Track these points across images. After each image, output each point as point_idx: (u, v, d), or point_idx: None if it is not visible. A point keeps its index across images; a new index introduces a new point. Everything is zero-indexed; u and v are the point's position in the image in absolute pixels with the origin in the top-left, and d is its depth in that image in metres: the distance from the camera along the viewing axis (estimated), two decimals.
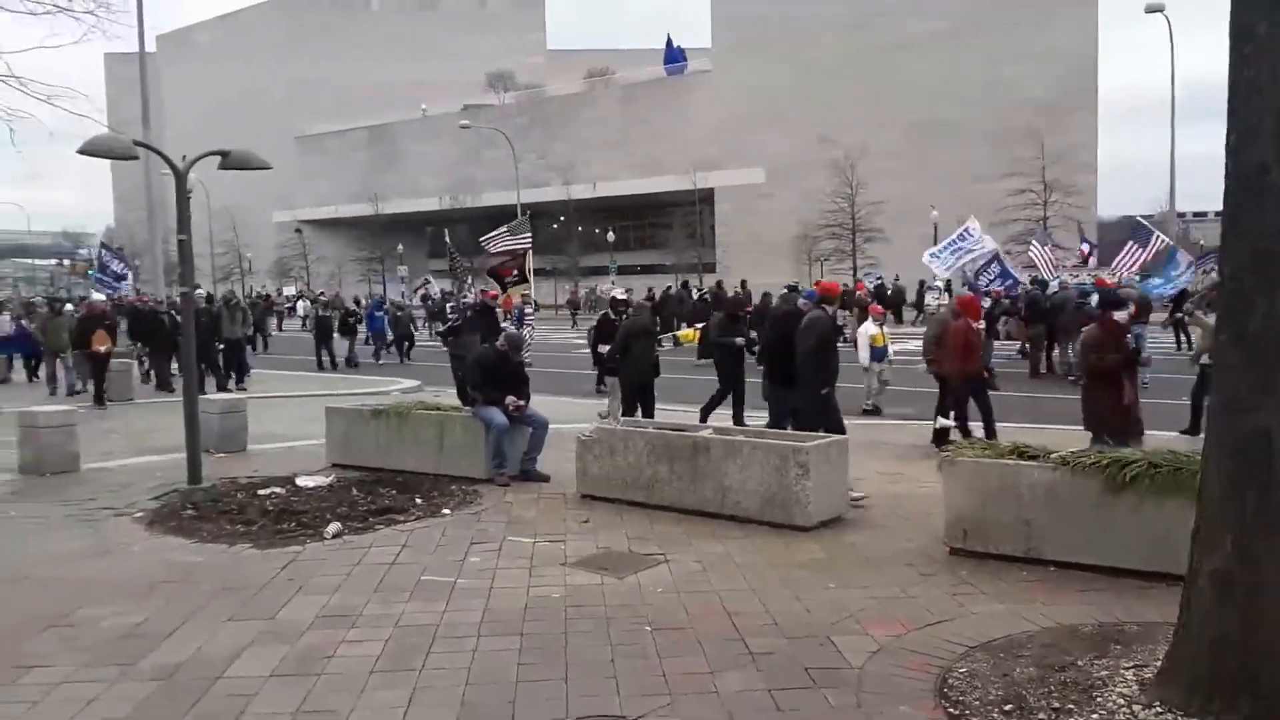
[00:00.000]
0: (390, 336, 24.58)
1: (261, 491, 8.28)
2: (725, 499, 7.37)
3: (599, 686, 4.38)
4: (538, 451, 8.93)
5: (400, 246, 63.66)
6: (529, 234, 20.62)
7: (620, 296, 14.75)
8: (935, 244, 37.41)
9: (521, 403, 8.92)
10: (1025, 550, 6.09)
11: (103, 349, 15.59)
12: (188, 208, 9.51)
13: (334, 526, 7.13)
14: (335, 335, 23.42)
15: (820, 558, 6.42)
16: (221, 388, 17.30)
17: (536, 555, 6.48)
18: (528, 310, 22.19)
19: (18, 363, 20.25)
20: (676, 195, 57.55)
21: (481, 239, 20.92)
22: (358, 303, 28.52)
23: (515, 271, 20.91)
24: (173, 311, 18.12)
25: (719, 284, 36.31)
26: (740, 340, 11.74)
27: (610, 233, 55.65)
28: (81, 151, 8.61)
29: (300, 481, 8.59)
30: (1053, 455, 6.28)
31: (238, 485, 8.59)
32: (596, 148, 63.90)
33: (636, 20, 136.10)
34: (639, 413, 10.61)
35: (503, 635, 5.03)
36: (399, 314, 25.11)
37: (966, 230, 18.16)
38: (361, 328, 24.62)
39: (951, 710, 4.07)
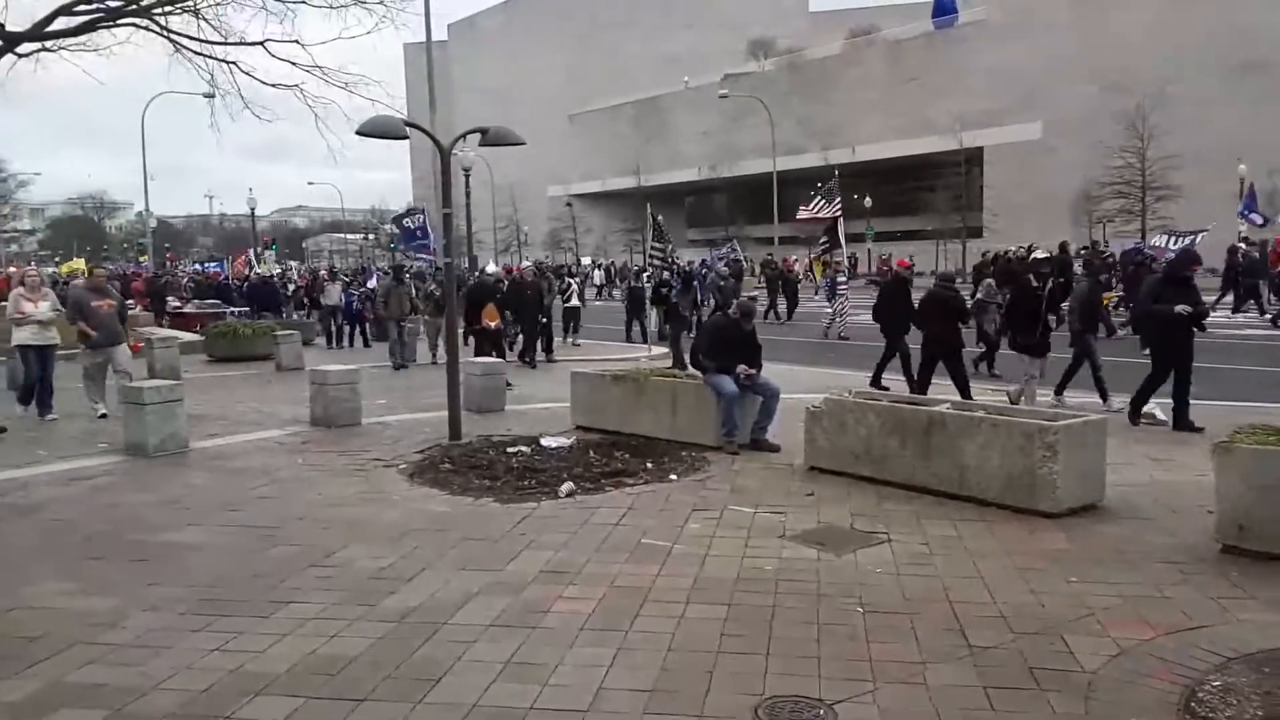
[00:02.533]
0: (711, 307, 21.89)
1: (510, 450, 8.77)
2: (963, 478, 6.89)
3: (800, 666, 4.24)
4: (768, 421, 8.80)
5: (660, 217, 65.11)
6: (839, 197, 20.16)
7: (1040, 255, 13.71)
8: (1241, 202, 32.87)
9: (753, 371, 8.81)
10: None
11: (493, 324, 14.80)
12: (450, 183, 10.14)
13: (567, 486, 7.41)
14: (647, 306, 21.19)
15: (1064, 548, 5.83)
16: (546, 351, 17.73)
17: (755, 526, 6.38)
18: (840, 280, 21.37)
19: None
20: (941, 156, 54.39)
21: (800, 212, 20.67)
22: (672, 272, 27.43)
23: (824, 239, 20.47)
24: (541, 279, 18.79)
25: (1090, 246, 32.03)
26: (1185, 309, 9.02)
27: (868, 198, 53.75)
28: (358, 133, 9.40)
29: (544, 442, 9.01)
30: None
31: (490, 443, 9.15)
32: (857, 110, 61.81)
33: None
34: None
35: (710, 604, 4.99)
36: (722, 284, 23.37)
37: None
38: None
39: None
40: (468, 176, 31.91)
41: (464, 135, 10.29)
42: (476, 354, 13.94)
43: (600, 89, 79.94)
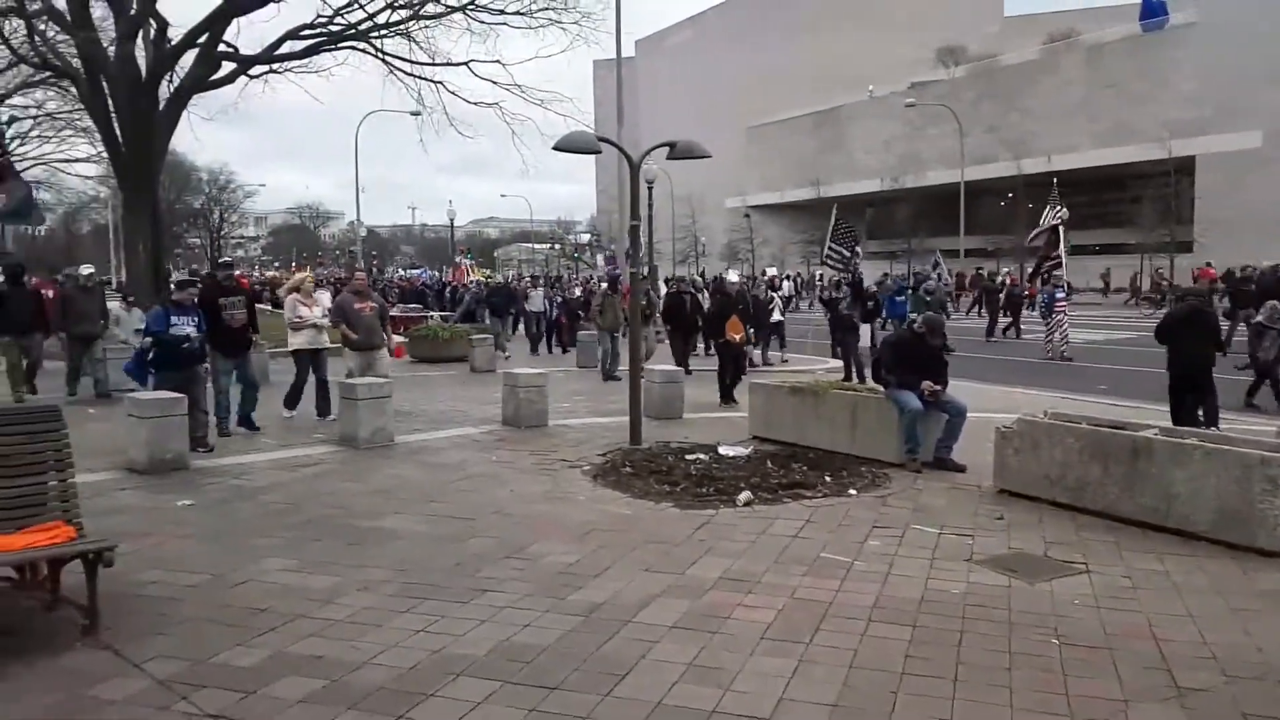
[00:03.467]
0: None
1: (688, 456, 8.87)
2: (1170, 510, 6.40)
3: (989, 694, 4.07)
4: (954, 439, 8.49)
5: (844, 220, 63.99)
6: (1061, 207, 19.18)
7: None
8: None
9: (938, 387, 8.53)
10: None
11: (738, 338, 13.43)
12: (638, 196, 10.37)
13: (745, 495, 7.42)
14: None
15: None
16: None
17: (940, 547, 6.18)
18: (1060, 296, 19.91)
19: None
20: (1145, 166, 50.56)
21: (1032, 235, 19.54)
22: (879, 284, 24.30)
23: (1054, 254, 19.41)
24: (692, 290, 18.61)
25: None
26: None
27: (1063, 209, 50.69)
28: (555, 148, 9.77)
29: (722, 450, 9.05)
30: None
31: (669, 449, 9.28)
32: (1053, 118, 58.46)
33: None
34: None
35: (894, 623, 4.87)
36: (928, 299, 22.24)
37: None
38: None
39: None
40: (651, 189, 32.50)
41: (653, 149, 10.51)
42: (721, 370, 13.32)
43: (782, 100, 79.46)
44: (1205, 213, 49.35)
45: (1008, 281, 29.31)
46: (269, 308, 26.60)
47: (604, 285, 20.84)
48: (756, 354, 17.31)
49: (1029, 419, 7.67)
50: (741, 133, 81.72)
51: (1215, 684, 4.12)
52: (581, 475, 8.40)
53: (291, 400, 11.48)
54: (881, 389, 8.97)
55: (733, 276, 17.14)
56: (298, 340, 11.34)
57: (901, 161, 65.87)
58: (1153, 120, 50.76)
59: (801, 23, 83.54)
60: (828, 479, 8.03)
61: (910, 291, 24.30)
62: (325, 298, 12.49)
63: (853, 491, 7.69)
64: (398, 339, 12.17)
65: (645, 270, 27.72)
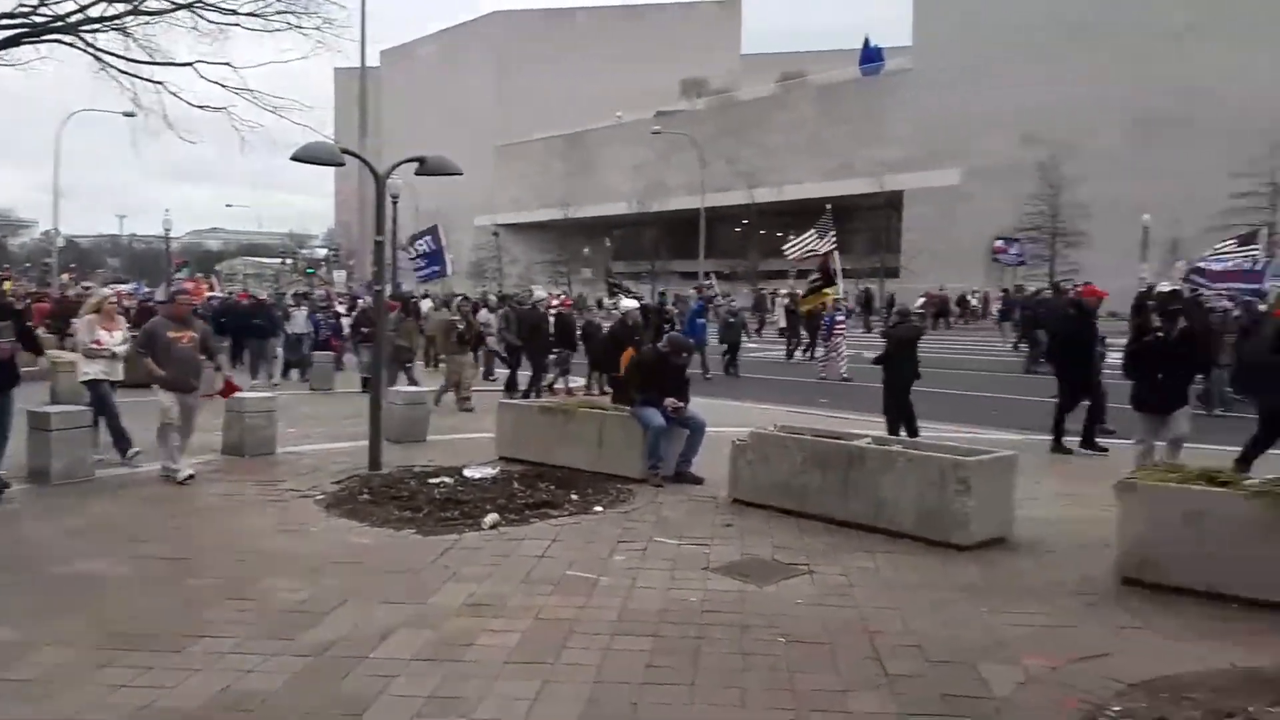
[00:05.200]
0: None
1: (432, 480, 8.69)
2: (879, 512, 7.09)
3: (724, 696, 4.32)
4: (694, 454, 8.93)
5: (586, 250, 65.56)
6: (834, 232, 19.58)
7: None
8: (1144, 250, 34.68)
9: (680, 404, 8.94)
10: (1206, 585, 5.52)
11: None
12: (383, 210, 10.08)
13: (491, 517, 7.39)
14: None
15: (977, 580, 6.06)
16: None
17: (680, 558, 6.47)
18: (839, 318, 20.79)
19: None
20: (862, 199, 56.01)
21: (785, 249, 19.57)
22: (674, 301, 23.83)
23: (817, 275, 20.16)
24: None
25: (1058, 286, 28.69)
26: None
27: (792, 237, 54.99)
28: (295, 158, 9.27)
29: (468, 472, 8.96)
30: (1246, 482, 5.68)
31: (412, 473, 9.06)
32: (785, 152, 63.31)
33: (835, 22, 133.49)
34: None
35: (636, 635, 5.04)
36: (730, 319, 21.93)
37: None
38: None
39: None
40: (395, 203, 31.68)
41: (401, 163, 10.26)
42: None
43: (530, 121, 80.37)
44: (912, 242, 55.48)
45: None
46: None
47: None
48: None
49: (760, 432, 8.22)
50: (491, 150, 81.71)
51: (920, 670, 4.60)
52: (314, 505, 8.01)
53: (119, 438, 9.70)
54: (626, 407, 9.26)
55: (540, 293, 16.28)
56: (92, 369, 9.64)
57: (648, 187, 68.57)
58: (870, 157, 56.32)
59: (554, 47, 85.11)
60: (574, 497, 8.18)
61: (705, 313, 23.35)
62: (124, 322, 10.65)
63: (598, 509, 7.87)
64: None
65: (409, 288, 26.50)
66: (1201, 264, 20.12)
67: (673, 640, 4.98)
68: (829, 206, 21.23)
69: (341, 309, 24.72)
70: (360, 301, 23.60)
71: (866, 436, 8.08)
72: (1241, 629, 5.10)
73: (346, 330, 20.45)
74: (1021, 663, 4.64)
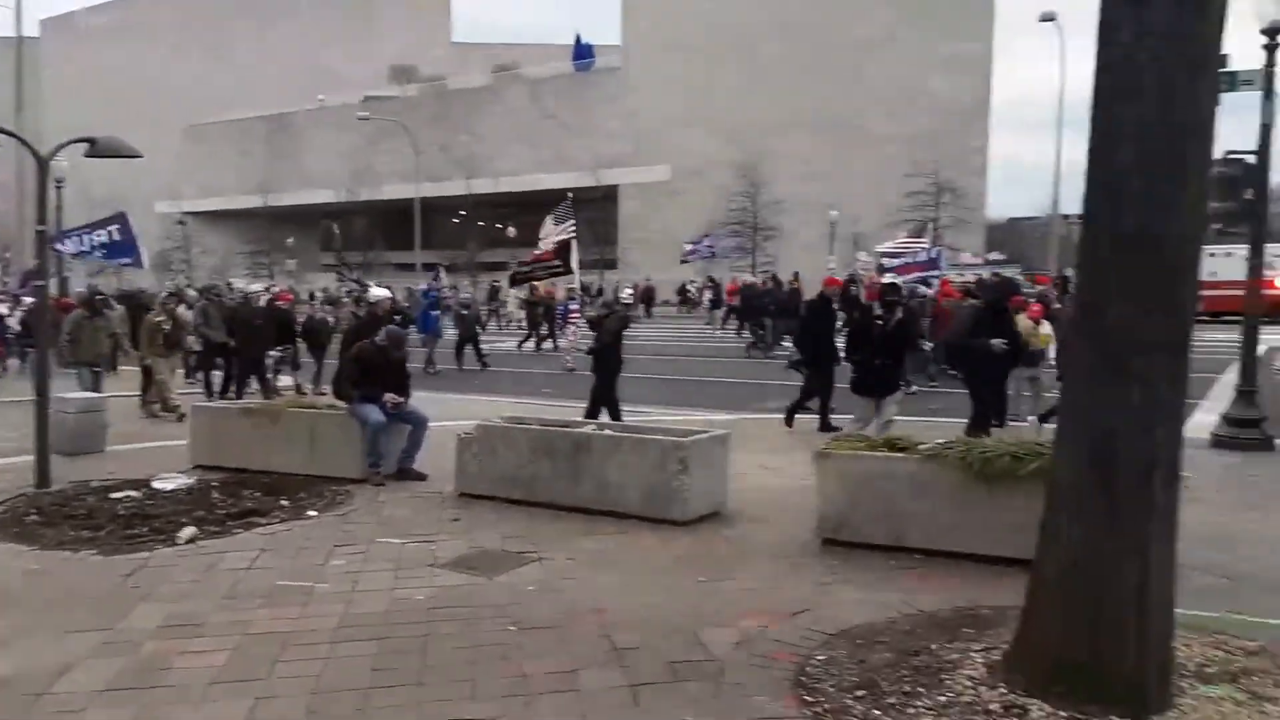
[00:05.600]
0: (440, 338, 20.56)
1: (114, 495, 7.87)
2: (605, 495, 7.32)
3: (455, 690, 4.28)
4: (416, 449, 8.73)
5: (290, 240, 61.99)
6: (573, 220, 19.02)
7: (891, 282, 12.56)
8: (831, 243, 38.28)
9: (400, 399, 8.70)
10: (894, 540, 6.22)
11: None
12: (46, 196, 8.93)
13: (188, 531, 6.82)
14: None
15: (696, 552, 6.43)
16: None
17: (405, 557, 6.31)
18: (574, 306, 20.27)
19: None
20: (580, 192, 57.29)
21: (541, 235, 18.54)
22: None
23: (557, 261, 19.41)
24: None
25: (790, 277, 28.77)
26: (1002, 343, 9.07)
27: (511, 228, 55.19)
28: None
29: (157, 484, 8.19)
30: (921, 447, 6.44)
31: (89, 489, 8.15)
32: (501, 142, 63.23)
33: (545, 15, 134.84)
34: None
35: (360, 640, 4.87)
36: (464, 312, 21.85)
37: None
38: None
39: (807, 698, 4.11)
40: (60, 188, 28.17)
41: (66, 144, 9.11)
42: None
43: (223, 101, 74.36)
44: (626, 234, 57.61)
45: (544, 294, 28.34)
46: None
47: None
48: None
49: (487, 424, 8.20)
50: (176, 131, 74.80)
51: (646, 641, 4.81)
52: None
53: None
54: (343, 405, 8.87)
55: (253, 286, 14.58)
56: None
57: (357, 174, 65.94)
58: (587, 151, 57.68)
59: (252, 23, 79.17)
60: (284, 503, 7.73)
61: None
62: None
63: (313, 513, 7.49)
64: None
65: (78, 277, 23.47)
66: (884, 261, 22.62)
67: (399, 641, 4.86)
68: (570, 194, 21.25)
69: (3, 309, 21.75)
70: (25, 300, 20.79)
71: (593, 424, 8.30)
72: (922, 576, 5.80)
73: (13, 332, 18.18)
74: (738, 625, 4.99)
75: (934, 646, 4.58)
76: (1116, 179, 3.79)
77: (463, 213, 58.13)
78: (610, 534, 6.81)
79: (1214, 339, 17.01)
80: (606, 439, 7.60)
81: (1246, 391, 10.47)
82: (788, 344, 18.60)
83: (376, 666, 4.54)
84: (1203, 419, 11.28)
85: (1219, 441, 10.27)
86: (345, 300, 27.80)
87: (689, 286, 40.33)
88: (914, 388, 14.63)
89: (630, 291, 39.99)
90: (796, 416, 11.56)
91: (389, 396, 8.61)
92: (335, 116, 68.39)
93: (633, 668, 4.47)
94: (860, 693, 4.11)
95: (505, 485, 7.75)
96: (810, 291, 16.90)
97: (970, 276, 23.48)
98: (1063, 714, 3.80)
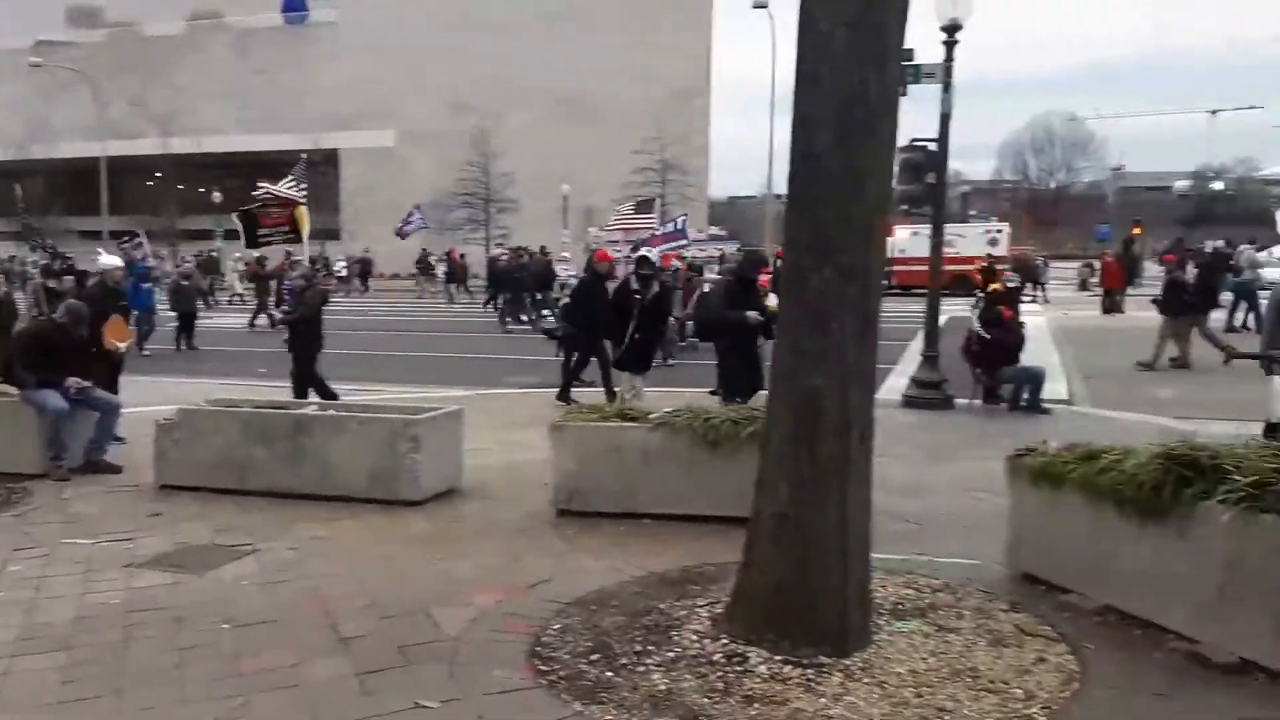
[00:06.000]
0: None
1: None
2: (330, 479, 7.01)
3: (160, 696, 3.96)
4: (107, 439, 7.92)
5: None
6: (306, 185, 17.08)
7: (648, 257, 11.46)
8: (564, 217, 38.89)
9: (85, 383, 7.83)
10: (626, 507, 6.44)
11: (122, 345, 9.31)
12: None
13: None
14: None
15: (429, 531, 6.34)
16: None
17: (95, 558, 5.73)
18: (297, 280, 18.07)
19: None
20: (297, 155, 53.98)
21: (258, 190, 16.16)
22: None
23: (287, 226, 17.36)
24: None
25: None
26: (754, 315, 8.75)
27: (217, 193, 51.08)
28: None
29: None
30: (651, 417, 6.70)
31: None
32: (202, 98, 58.17)
33: None
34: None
35: (45, 652, 4.39)
36: (183, 283, 20.35)
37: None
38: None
39: (542, 667, 4.18)
40: None
41: None
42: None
43: None
44: (350, 201, 55.12)
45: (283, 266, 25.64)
46: None
47: None
48: None
49: (190, 408, 7.59)
50: None
51: (375, 627, 4.68)
52: None
53: None
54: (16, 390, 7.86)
55: (106, 260, 11.53)
56: None
57: (31, 129, 58.34)
58: (304, 112, 54.40)
59: None
60: None
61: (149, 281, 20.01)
62: None
63: None
64: None
65: None
66: (618, 233, 23.11)
67: (92, 649, 4.43)
68: (304, 155, 19.61)
69: None
70: None
71: (314, 404, 7.91)
72: (653, 539, 6.05)
73: None
74: (472, 601, 4.98)
75: (663, 606, 4.81)
76: (816, 158, 4.12)
77: (159, 174, 53.06)
78: (338, 519, 6.55)
79: (905, 310, 19.03)
80: (329, 419, 7.29)
81: (930, 357, 11.75)
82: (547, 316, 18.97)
83: (67, 679, 4.11)
84: (895, 382, 12.58)
85: (908, 401, 11.49)
86: (32, 273, 24.66)
87: (430, 258, 39.19)
88: (671, 360, 15.21)
89: (343, 263, 38.19)
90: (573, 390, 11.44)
91: (72, 381, 7.73)
92: (2, 63, 59.98)
93: (361, 655, 4.34)
94: (594, 656, 4.24)
95: (214, 474, 7.21)
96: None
97: (697, 251, 24.77)
98: (777, 658, 4.13)
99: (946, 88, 11.23)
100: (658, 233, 21.10)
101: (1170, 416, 9.99)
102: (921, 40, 10.90)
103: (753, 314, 9.61)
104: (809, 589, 4.25)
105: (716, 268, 23.26)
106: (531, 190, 46.32)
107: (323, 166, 53.21)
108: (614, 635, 4.47)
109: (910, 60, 11.33)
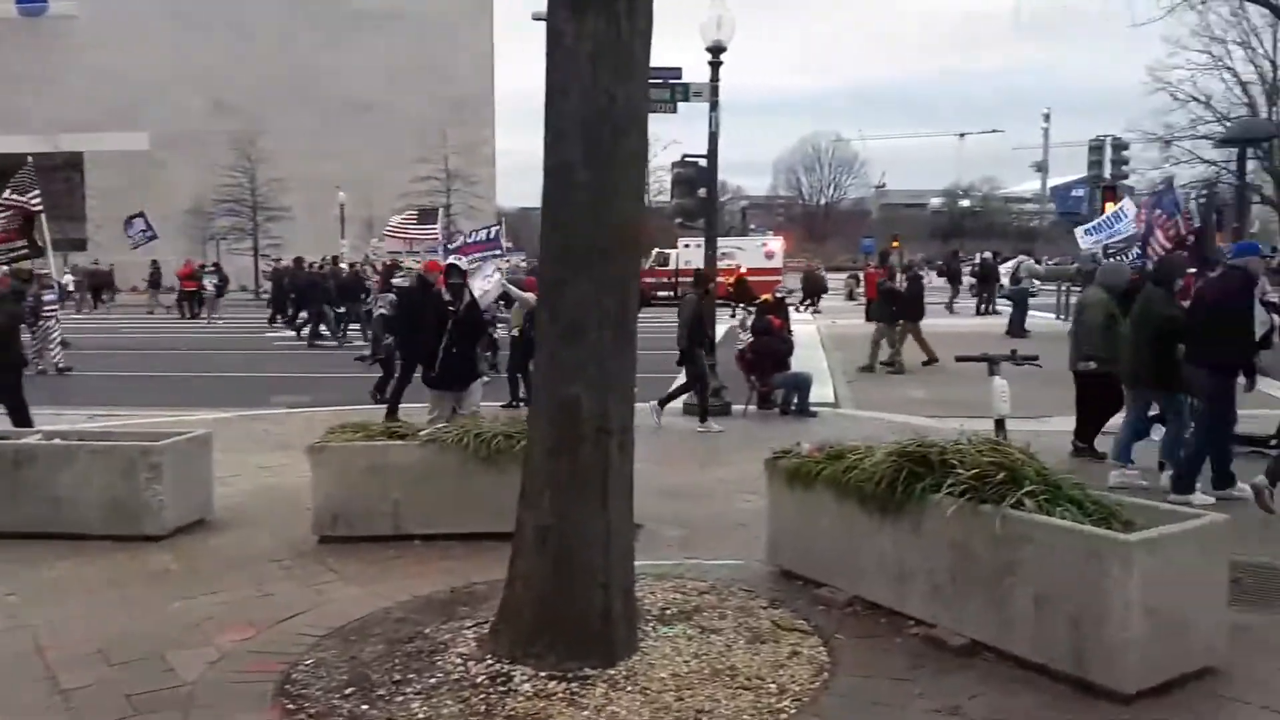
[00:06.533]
0: None
1: None
2: (58, 515, 6.39)
3: None
4: None
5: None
6: (37, 191, 14.84)
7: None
8: (342, 226, 37.54)
9: None
10: (394, 529, 6.26)
11: None
12: None
13: None
14: None
15: (173, 567, 5.90)
16: None
17: None
18: (48, 297, 15.86)
19: None
20: (37, 159, 48.99)
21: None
22: None
23: (21, 242, 15.05)
24: None
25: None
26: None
27: None
28: None
29: None
30: (421, 433, 6.54)
31: None
32: None
33: None
34: None
35: None
36: None
37: (1121, 210, 17.77)
38: None
39: (290, 706, 3.97)
40: None
41: None
42: None
43: None
44: (98, 209, 50.60)
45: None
46: None
47: None
48: None
49: None
50: None
51: (101, 677, 4.28)
52: None
53: None
54: None
55: None
56: None
57: None
58: (39, 111, 49.57)
59: None
60: None
61: None
62: None
63: None
64: None
65: None
66: (449, 245, 22.51)
67: None
68: (30, 159, 17.62)
69: None
70: None
71: (39, 432, 7.18)
72: (423, 561, 5.89)
73: None
74: (214, 641, 4.66)
75: (428, 630, 4.68)
76: (567, 170, 4.16)
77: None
78: (67, 559, 5.97)
79: None
80: (56, 449, 6.65)
81: (709, 365, 12.19)
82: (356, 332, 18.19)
83: None
84: None
85: (688, 409, 11.85)
86: None
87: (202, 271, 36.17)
88: (487, 377, 14.75)
89: (71, 278, 34.32)
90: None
91: None
92: None
93: (82, 709, 3.97)
94: (349, 690, 4.06)
95: None
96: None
97: (501, 263, 24.55)
98: (542, 674, 4.11)
99: (714, 106, 11.72)
100: (469, 240, 20.66)
101: (925, 415, 10.83)
102: (697, 60, 11.41)
103: None
104: (573, 601, 4.27)
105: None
106: (306, 198, 44.33)
107: (65, 171, 48.91)
108: (373, 666, 4.31)
109: (679, 79, 11.78)
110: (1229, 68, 25.01)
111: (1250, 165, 25.01)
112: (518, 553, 4.43)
